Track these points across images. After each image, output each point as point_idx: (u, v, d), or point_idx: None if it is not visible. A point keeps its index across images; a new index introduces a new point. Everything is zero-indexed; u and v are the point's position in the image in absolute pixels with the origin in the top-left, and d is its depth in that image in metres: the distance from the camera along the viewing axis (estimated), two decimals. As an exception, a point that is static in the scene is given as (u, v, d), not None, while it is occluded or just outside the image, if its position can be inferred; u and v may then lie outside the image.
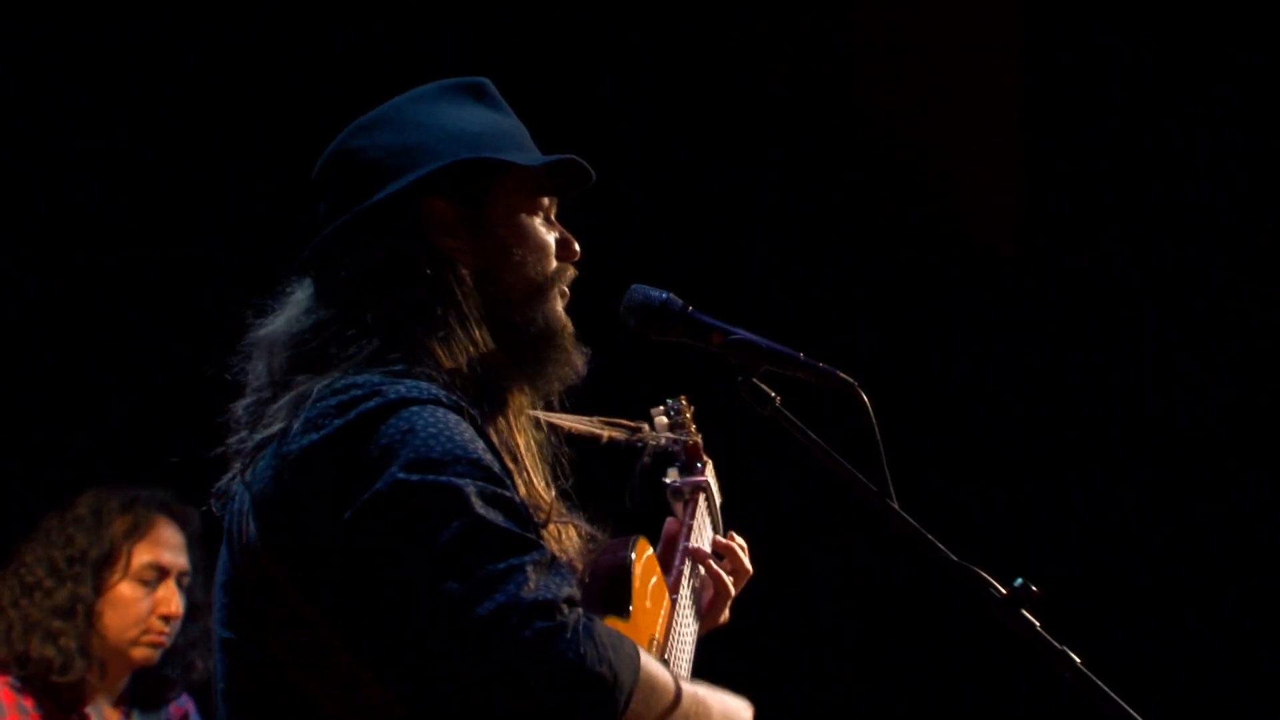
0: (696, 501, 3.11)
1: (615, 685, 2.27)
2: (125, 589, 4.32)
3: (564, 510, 2.61)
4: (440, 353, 2.49)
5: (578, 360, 2.65)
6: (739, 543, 3.08)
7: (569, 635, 2.23)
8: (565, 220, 2.73)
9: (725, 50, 6.40)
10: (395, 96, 2.68)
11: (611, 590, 2.66)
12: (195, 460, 2.63)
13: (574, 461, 2.73)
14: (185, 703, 4.48)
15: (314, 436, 2.36)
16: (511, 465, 2.49)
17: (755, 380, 2.64)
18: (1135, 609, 6.52)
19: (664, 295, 2.70)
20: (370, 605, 2.31)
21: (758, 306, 4.90)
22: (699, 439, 3.24)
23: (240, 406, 2.56)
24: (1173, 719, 2.82)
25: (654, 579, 2.85)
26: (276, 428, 2.44)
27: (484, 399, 2.53)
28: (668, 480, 3.15)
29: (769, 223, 6.51)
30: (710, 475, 3.21)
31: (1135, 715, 2.47)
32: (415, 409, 2.34)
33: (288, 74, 5.56)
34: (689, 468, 3.19)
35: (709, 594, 3.03)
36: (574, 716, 2.26)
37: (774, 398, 2.63)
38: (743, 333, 2.66)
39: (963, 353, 6.71)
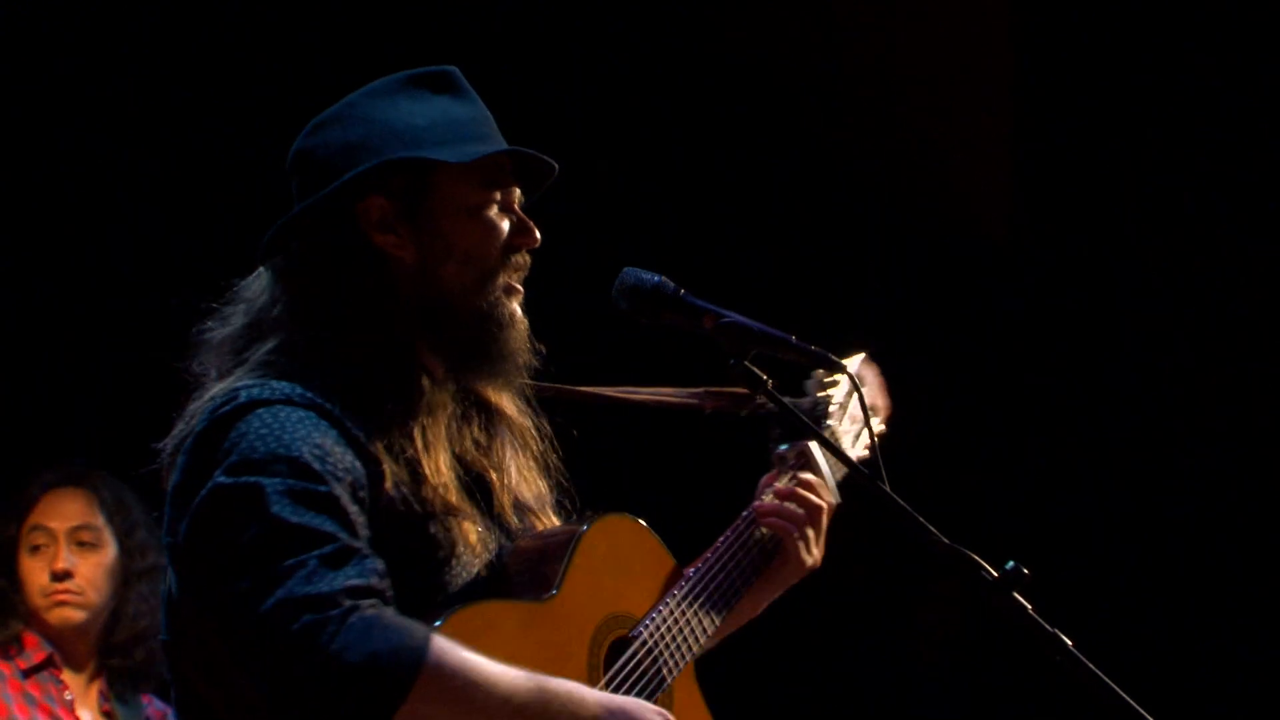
0: (786, 470, 2.97)
1: (384, 675, 2.24)
2: (24, 563, 4.42)
3: (467, 506, 2.58)
4: (331, 350, 2.53)
5: (522, 356, 2.64)
6: (804, 479, 2.92)
7: (331, 628, 2.24)
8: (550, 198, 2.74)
9: (715, 36, 6.40)
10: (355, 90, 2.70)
11: (536, 571, 2.62)
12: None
13: (561, 452, 2.73)
14: (164, 707, 4.50)
15: (187, 443, 2.46)
16: (385, 460, 2.48)
17: (747, 363, 2.63)
18: (1127, 593, 6.54)
19: (656, 279, 2.69)
20: (204, 605, 2.39)
21: (749, 290, 4.89)
22: (844, 400, 3.12)
23: (195, 404, 2.60)
24: (1165, 702, 2.81)
25: (641, 556, 2.77)
26: (185, 430, 2.52)
27: (381, 396, 2.54)
28: (779, 447, 3.02)
29: (760, 208, 6.51)
30: (816, 445, 3.00)
31: (1128, 698, 2.46)
32: (260, 410, 2.41)
33: (261, 61, 5.55)
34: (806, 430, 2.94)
35: (777, 552, 2.90)
36: (339, 708, 2.25)
37: (766, 381, 2.62)
38: (734, 316, 2.65)
39: (954, 337, 6.72)
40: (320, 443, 2.40)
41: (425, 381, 2.60)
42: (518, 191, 2.69)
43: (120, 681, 4.46)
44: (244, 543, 2.32)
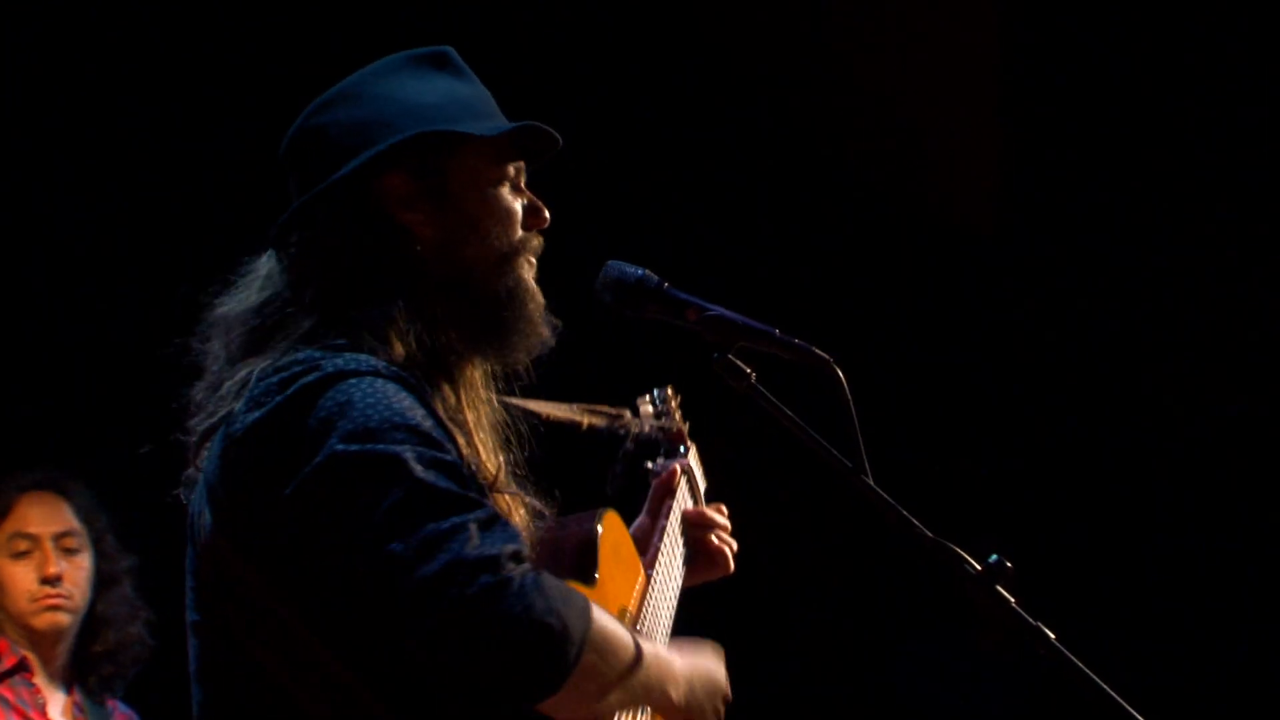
0: (678, 485, 3.16)
1: (565, 636, 2.24)
2: (5, 569, 4.40)
3: (511, 484, 2.60)
4: (384, 327, 2.50)
5: (544, 331, 2.64)
6: (720, 522, 3.19)
7: (514, 588, 2.22)
8: (538, 188, 2.73)
9: (700, 30, 6.40)
10: (358, 70, 2.68)
11: (578, 558, 2.68)
12: (160, 447, 2.64)
13: (536, 447, 2.73)
14: (128, 711, 4.54)
15: (257, 414, 2.38)
16: (458, 435, 2.49)
17: (731, 356, 2.63)
18: (1110, 586, 6.55)
19: (639, 271, 2.69)
20: (320, 579, 2.32)
21: (734, 283, 4.89)
22: (684, 426, 3.28)
23: (198, 390, 2.57)
24: (1148, 696, 2.81)
25: (626, 552, 2.87)
26: (224, 411, 2.46)
27: (431, 372, 2.53)
28: (650, 465, 3.19)
29: (746, 201, 6.51)
30: (694, 459, 3.25)
31: (1111, 692, 2.47)
32: (353, 381, 2.35)
33: (249, 45, 5.54)
34: (672, 453, 3.24)
35: (695, 561, 3.13)
36: (525, 669, 2.23)
37: (749, 374, 2.63)
38: (718, 309, 2.65)
39: (940, 330, 6.72)
40: (423, 413, 2.38)
41: (461, 361, 2.61)
42: (524, 168, 2.69)
43: (92, 687, 4.46)
44: (389, 508, 2.25)
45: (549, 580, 2.28)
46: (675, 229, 6.14)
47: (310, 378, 2.36)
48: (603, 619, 2.33)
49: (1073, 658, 2.48)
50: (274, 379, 2.40)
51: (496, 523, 2.29)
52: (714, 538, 3.16)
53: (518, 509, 2.59)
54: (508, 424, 2.70)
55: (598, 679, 2.31)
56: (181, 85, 5.47)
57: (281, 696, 2.38)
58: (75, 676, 4.46)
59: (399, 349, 2.49)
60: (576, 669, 2.25)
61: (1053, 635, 2.49)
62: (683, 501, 3.15)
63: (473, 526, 2.25)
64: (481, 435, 2.59)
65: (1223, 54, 6.34)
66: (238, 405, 2.42)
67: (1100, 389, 6.72)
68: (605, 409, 3.05)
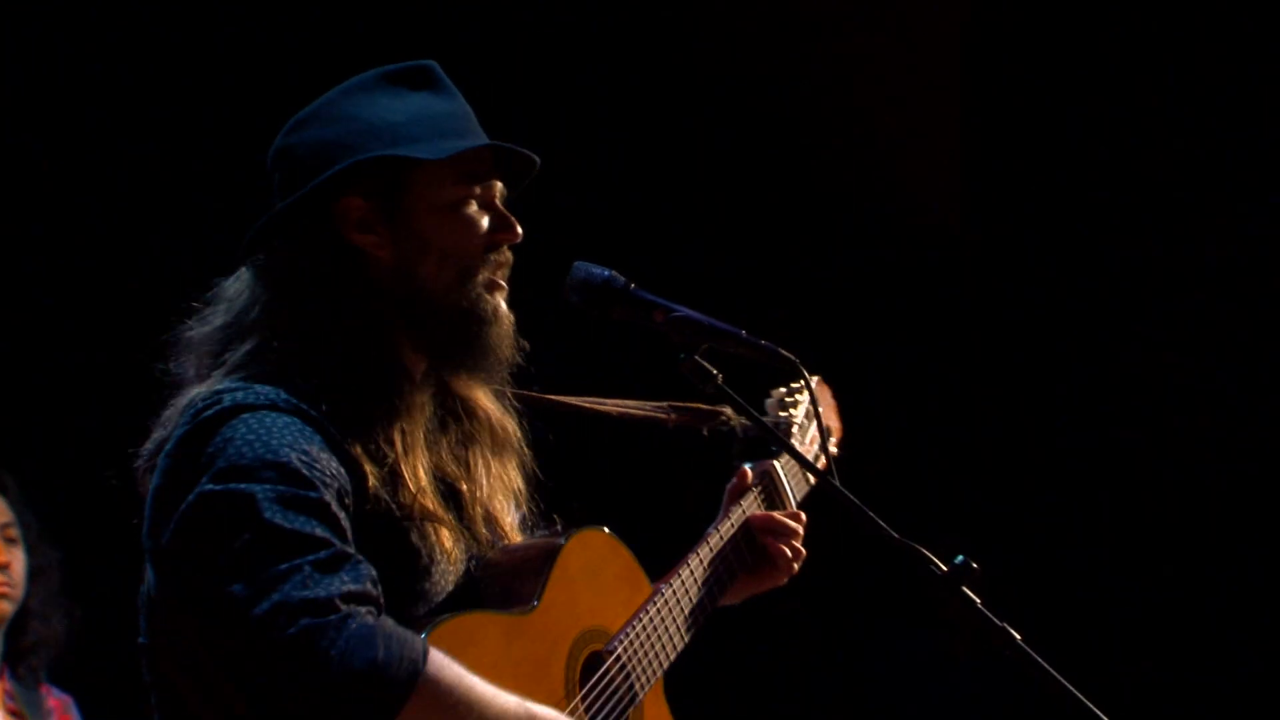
0: (748, 490, 3.03)
1: (382, 684, 2.23)
2: None
3: (441, 510, 2.58)
4: (304, 356, 2.52)
5: (506, 352, 2.64)
6: (788, 527, 3.01)
7: (332, 632, 2.22)
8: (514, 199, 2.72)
9: (665, 33, 6.39)
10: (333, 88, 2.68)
11: (520, 583, 2.63)
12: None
13: (540, 456, 2.73)
14: (62, 695, 4.54)
15: (169, 445, 2.44)
16: (367, 467, 2.48)
17: (697, 358, 2.62)
18: (1080, 587, 6.55)
19: (606, 273, 2.69)
20: (192, 610, 2.36)
21: (700, 288, 4.89)
22: (804, 422, 3.15)
23: (173, 406, 2.58)
24: (1114, 697, 2.82)
25: (614, 571, 2.78)
26: (165, 434, 2.50)
27: (358, 400, 2.53)
28: (745, 466, 3.07)
29: (711, 202, 6.50)
30: (784, 463, 3.09)
31: (1076, 692, 2.47)
32: (245, 415, 2.39)
33: (233, 62, 5.52)
34: (772, 454, 3.11)
35: (759, 569, 2.99)
36: (337, 714, 2.24)
37: (716, 375, 2.62)
38: (685, 310, 2.65)
39: (906, 330, 6.72)
40: (307, 449, 2.38)
41: (403, 383, 2.59)
42: (499, 186, 2.67)
43: (22, 675, 4.45)
44: (236, 548, 2.28)
45: (384, 627, 2.27)
46: (641, 233, 6.12)
47: (209, 412, 2.41)
48: (442, 674, 2.29)
49: (1038, 658, 2.48)
50: (189, 410, 2.45)
51: (342, 563, 2.30)
52: (775, 541, 2.99)
53: (447, 535, 2.57)
54: (520, 444, 2.70)
55: None
56: (151, 98, 5.44)
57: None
58: (4, 665, 4.44)
59: (317, 375, 2.50)
60: (398, 718, 2.24)
61: (1018, 636, 2.49)
62: (753, 508, 3.01)
63: (308, 567, 2.26)
64: (414, 461, 2.56)
65: (1189, 52, 6.35)
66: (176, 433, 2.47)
67: (1069, 386, 6.72)
68: (700, 405, 2.97)
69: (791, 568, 3.00)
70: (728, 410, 2.99)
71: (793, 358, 2.64)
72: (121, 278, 5.21)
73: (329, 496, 2.37)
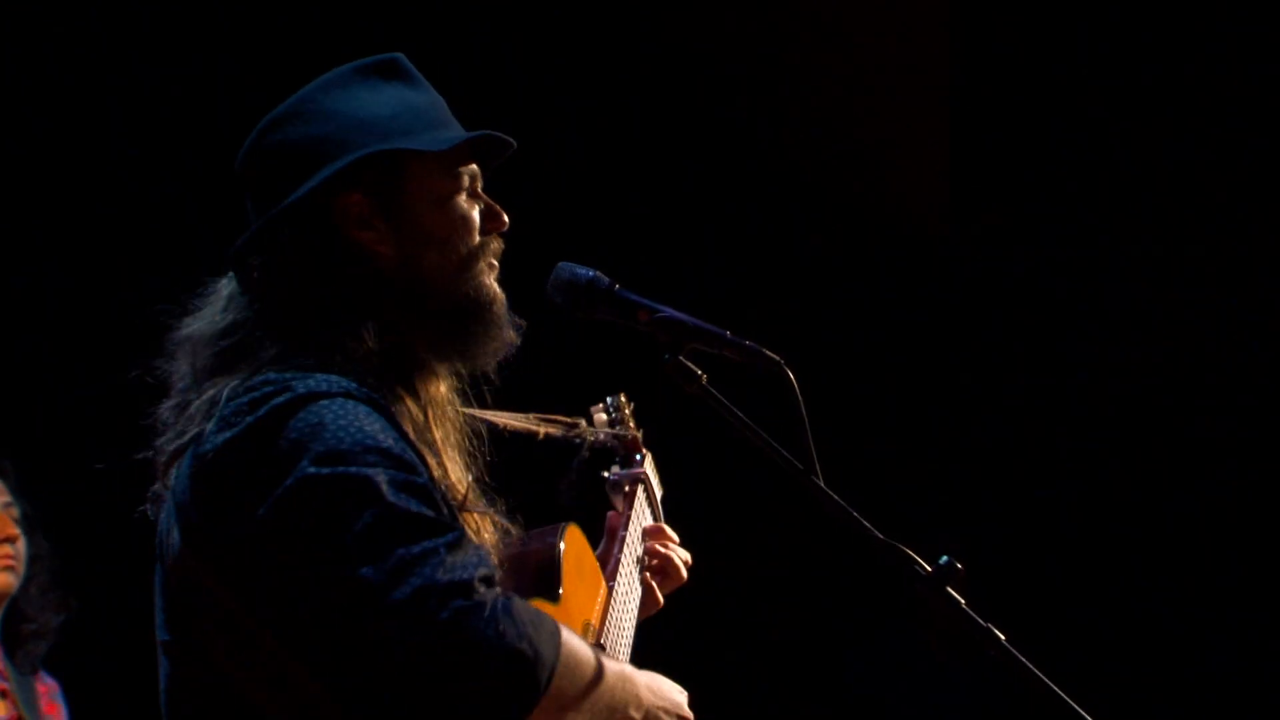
0: (635, 494, 3.15)
1: (536, 661, 2.25)
2: None
3: (480, 501, 2.60)
4: (353, 347, 2.50)
5: (509, 332, 2.65)
6: (669, 536, 3.19)
7: (486, 613, 2.22)
8: (493, 192, 2.72)
9: (650, 28, 6.38)
10: (308, 84, 2.66)
11: (541, 575, 2.67)
12: (124, 465, 2.63)
13: (495, 458, 2.73)
14: (50, 681, 4.58)
15: (227, 435, 2.37)
16: (428, 455, 2.49)
17: (682, 358, 2.63)
18: (1063, 587, 6.55)
19: (590, 273, 2.69)
20: (293, 601, 2.30)
21: (685, 284, 4.88)
22: (638, 434, 3.29)
23: (165, 409, 2.56)
24: (1099, 697, 2.82)
25: (588, 565, 2.85)
26: (193, 431, 2.45)
27: (400, 391, 2.55)
28: (606, 474, 3.19)
29: (696, 201, 6.49)
30: (650, 468, 3.26)
31: (1062, 694, 2.48)
32: (325, 402, 2.35)
33: (209, 59, 5.51)
34: (628, 461, 3.25)
35: (654, 578, 3.11)
36: (496, 694, 2.23)
37: (700, 375, 2.63)
38: (669, 310, 2.65)
39: (890, 331, 6.72)
40: (395, 435, 2.38)
41: (428, 376, 2.62)
42: (480, 174, 2.69)
43: (20, 661, 4.50)
44: (361, 531, 2.24)
45: (520, 604, 2.28)
46: (625, 232, 6.12)
47: (281, 399, 2.36)
48: (571, 641, 2.34)
49: (1023, 659, 2.50)
50: (244, 399, 2.39)
51: (467, 546, 2.29)
52: (661, 548, 3.15)
53: (486, 527, 2.59)
54: (473, 438, 2.70)
55: (563, 700, 2.31)
56: (133, 100, 5.43)
57: (256, 715, 2.38)
58: (4, 646, 4.50)
59: (367, 368, 2.49)
60: (547, 694, 2.27)
61: (1003, 636, 2.50)
62: (641, 511, 3.15)
63: (443, 550, 2.25)
64: (450, 453, 2.59)
65: (1175, 51, 6.35)
66: (208, 425, 2.41)
67: (1053, 387, 6.73)
68: (561, 418, 3.03)
69: (679, 571, 3.15)
70: (583, 422, 3.08)
71: (776, 358, 2.64)
72: (107, 280, 5.21)
73: (429, 481, 2.37)
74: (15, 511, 4.51)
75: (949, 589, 2.52)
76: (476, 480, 2.66)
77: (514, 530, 2.67)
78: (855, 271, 6.70)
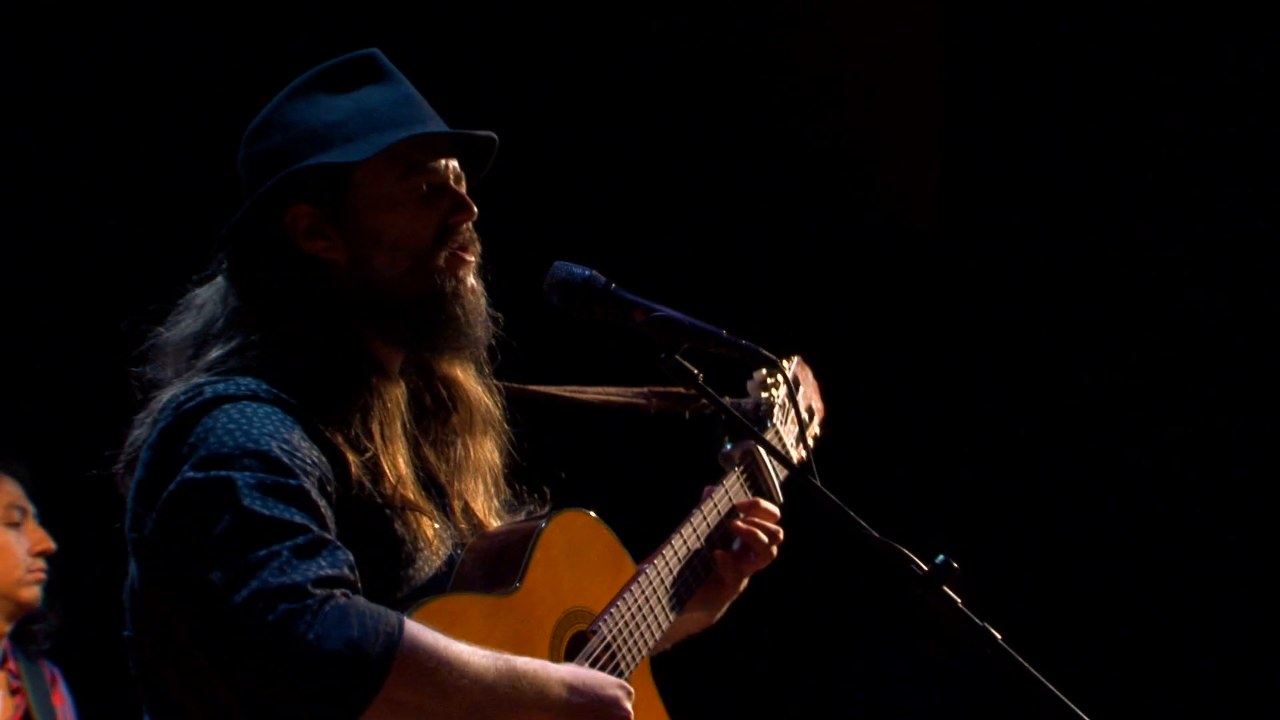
0: (732, 470, 3.01)
1: (359, 665, 2.25)
2: (2, 535, 4.48)
3: (423, 500, 2.61)
4: (281, 351, 2.56)
5: (477, 326, 2.67)
6: (766, 510, 2.98)
7: (308, 617, 2.25)
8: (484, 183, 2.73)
9: (645, 24, 6.37)
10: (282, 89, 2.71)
11: (500, 565, 2.65)
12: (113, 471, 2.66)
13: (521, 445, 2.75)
14: (54, 669, 4.66)
15: (151, 437, 2.47)
16: (350, 455, 2.51)
17: (678, 358, 2.63)
18: (1060, 584, 6.55)
19: (586, 272, 2.69)
20: (179, 602, 2.39)
21: (681, 284, 4.88)
22: (786, 403, 3.13)
23: (140, 416, 2.62)
24: (1096, 697, 2.82)
25: (595, 552, 2.80)
26: (143, 432, 2.54)
27: (339, 390, 2.57)
28: (726, 446, 3.06)
29: (690, 199, 6.49)
30: (776, 438, 3.08)
31: (1057, 692, 2.46)
32: (226, 406, 2.43)
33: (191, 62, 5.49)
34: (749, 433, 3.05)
35: (736, 556, 2.95)
36: (318, 698, 2.26)
37: (697, 375, 2.63)
38: (665, 310, 2.65)
39: (885, 328, 6.72)
40: (288, 438, 2.42)
41: (377, 378, 2.63)
42: (453, 165, 2.69)
43: (31, 652, 4.57)
44: (215, 535, 2.31)
45: (358, 607, 2.29)
46: (621, 230, 6.11)
47: (191, 404, 2.45)
48: (421, 645, 2.31)
49: (1020, 659, 2.47)
50: (171, 405, 2.48)
51: (320, 549, 2.33)
52: (745, 525, 2.95)
53: (429, 524, 2.60)
54: (500, 429, 2.73)
55: (413, 703, 2.31)
56: (115, 105, 5.42)
57: (181, 714, 2.46)
58: (9, 644, 4.55)
59: (296, 371, 2.54)
60: (377, 697, 2.27)
61: (999, 636, 2.48)
62: (735, 487, 3.00)
63: (286, 553, 2.30)
64: (394, 452, 2.59)
65: (1167, 48, 6.36)
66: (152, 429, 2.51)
67: (1048, 384, 6.73)
68: (678, 389, 2.97)
69: (768, 553, 2.96)
70: (701, 394, 2.93)
71: (773, 357, 2.64)
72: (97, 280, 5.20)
73: (309, 484, 2.40)
74: (32, 510, 4.56)
75: (945, 588, 2.50)
76: (457, 482, 2.69)
77: (466, 528, 2.68)
78: (847, 268, 6.69)
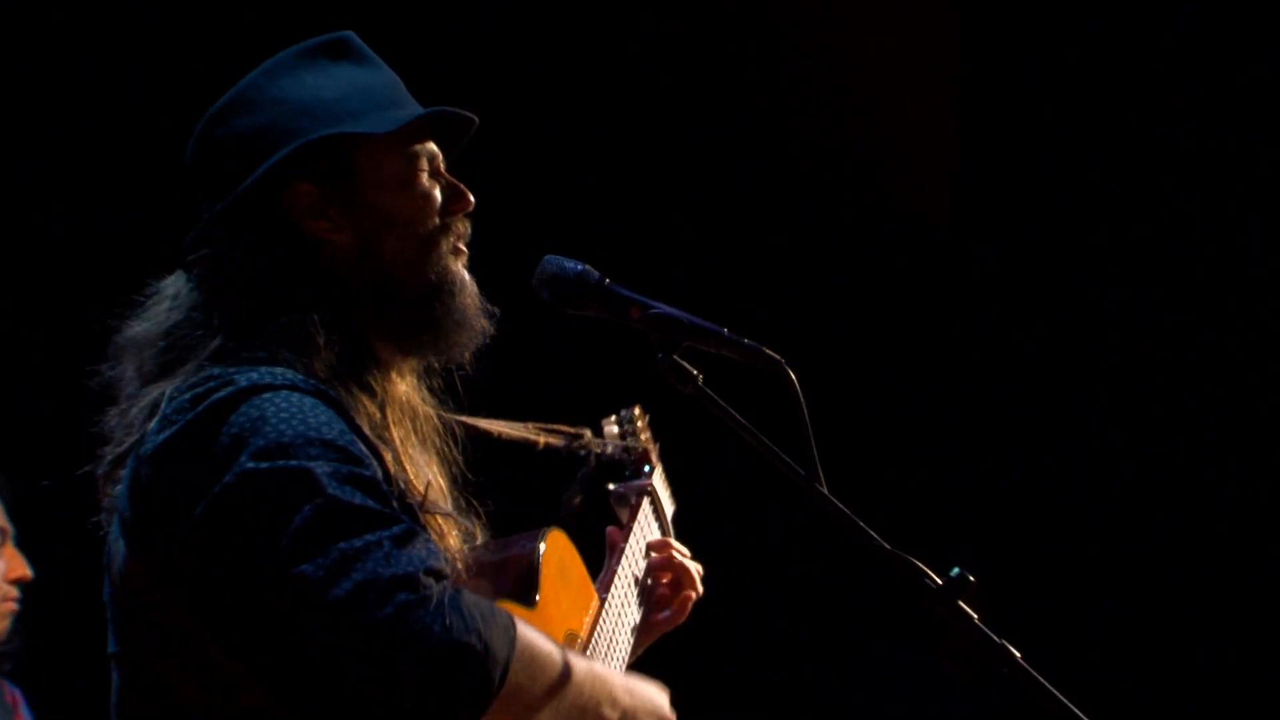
0: (640, 506, 3.08)
1: (486, 656, 2.15)
2: None
3: (444, 503, 2.52)
4: (302, 339, 2.43)
5: (481, 321, 2.57)
6: (677, 548, 3.10)
7: (432, 607, 2.13)
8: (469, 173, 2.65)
9: (654, 20, 6.33)
10: (254, 69, 2.59)
11: (519, 580, 2.60)
12: (73, 478, 2.56)
13: (471, 467, 2.65)
14: (14, 690, 4.54)
15: (168, 433, 2.29)
16: (384, 450, 2.40)
17: (676, 358, 2.54)
18: (1078, 602, 6.47)
19: (579, 266, 2.60)
20: (234, 601, 2.22)
21: (684, 280, 4.79)
22: (651, 447, 3.22)
23: (111, 416, 2.49)
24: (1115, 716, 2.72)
25: (574, 573, 2.78)
26: (134, 437, 2.39)
27: (354, 386, 2.46)
28: (611, 487, 3.13)
29: (699, 195, 6.45)
30: (660, 481, 3.20)
31: (1079, 713, 2.39)
32: (268, 395, 2.28)
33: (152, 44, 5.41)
34: (636, 475, 3.19)
35: (668, 592, 3.04)
36: (446, 691, 2.14)
37: (696, 376, 2.54)
38: (663, 307, 2.56)
39: (895, 329, 6.67)
40: (343, 428, 2.29)
41: (386, 373, 2.54)
42: (438, 151, 2.61)
43: None
44: (298, 527, 2.15)
45: (470, 597, 2.19)
46: (622, 225, 6.06)
47: (223, 393, 2.29)
48: (529, 636, 2.25)
49: (1040, 678, 2.40)
50: (187, 396, 2.32)
51: (415, 538, 2.20)
52: (675, 557, 3.07)
53: (450, 530, 2.51)
54: (446, 440, 2.63)
55: (524, 698, 2.23)
56: (80, 100, 5.34)
57: None
58: None
59: (319, 361, 2.42)
60: (503, 690, 2.17)
61: (1019, 654, 2.41)
62: (646, 524, 3.07)
63: (388, 543, 2.16)
64: (410, 452, 2.51)
65: (1183, 47, 6.33)
66: (150, 427, 2.34)
67: (1062, 388, 6.68)
68: (563, 428, 2.95)
69: (687, 602, 3.05)
70: (587, 433, 3.00)
71: (777, 357, 2.54)
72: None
73: (379, 475, 2.28)
74: (11, 532, 4.43)
75: (961, 603, 2.42)
76: (452, 484, 2.59)
77: (480, 535, 2.58)
78: (860, 269, 6.65)
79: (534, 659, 2.23)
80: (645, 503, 3.09)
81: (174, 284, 2.55)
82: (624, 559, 2.94)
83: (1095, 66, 6.42)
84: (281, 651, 2.19)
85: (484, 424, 2.70)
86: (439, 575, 2.18)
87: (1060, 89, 6.49)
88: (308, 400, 2.28)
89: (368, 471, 2.24)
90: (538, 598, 2.59)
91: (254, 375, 2.31)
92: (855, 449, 5.70)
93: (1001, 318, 6.70)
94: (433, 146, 2.58)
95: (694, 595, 3.04)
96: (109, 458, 2.43)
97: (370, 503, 2.19)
